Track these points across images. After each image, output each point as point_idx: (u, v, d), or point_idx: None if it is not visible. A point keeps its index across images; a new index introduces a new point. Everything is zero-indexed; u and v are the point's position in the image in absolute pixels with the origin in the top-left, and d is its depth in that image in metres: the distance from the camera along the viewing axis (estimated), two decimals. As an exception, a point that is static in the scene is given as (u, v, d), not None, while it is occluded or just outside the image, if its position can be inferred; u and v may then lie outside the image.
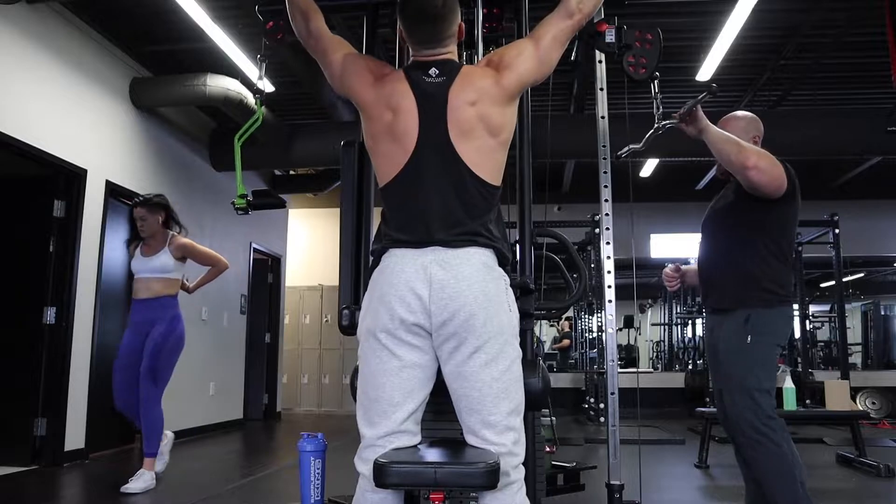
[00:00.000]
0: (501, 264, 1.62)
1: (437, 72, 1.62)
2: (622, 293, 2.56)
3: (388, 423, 1.53)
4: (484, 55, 2.58)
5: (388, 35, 2.27)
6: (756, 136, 2.44)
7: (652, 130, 2.33)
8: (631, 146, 2.39)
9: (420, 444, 1.60)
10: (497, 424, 1.52)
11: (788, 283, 2.34)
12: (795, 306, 8.17)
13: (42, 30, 4.38)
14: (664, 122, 2.31)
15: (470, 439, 1.56)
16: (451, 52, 1.68)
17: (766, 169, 2.22)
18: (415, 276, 1.53)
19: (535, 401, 1.71)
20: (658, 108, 2.29)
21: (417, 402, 1.56)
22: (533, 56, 1.67)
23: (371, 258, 1.67)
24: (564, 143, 5.83)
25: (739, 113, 2.52)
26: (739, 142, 2.27)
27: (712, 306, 2.49)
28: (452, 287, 1.51)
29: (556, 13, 1.72)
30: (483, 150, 1.60)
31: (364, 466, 1.54)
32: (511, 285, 1.74)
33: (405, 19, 1.67)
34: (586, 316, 8.31)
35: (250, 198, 2.13)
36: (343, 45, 1.76)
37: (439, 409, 1.81)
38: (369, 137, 1.67)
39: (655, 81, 2.24)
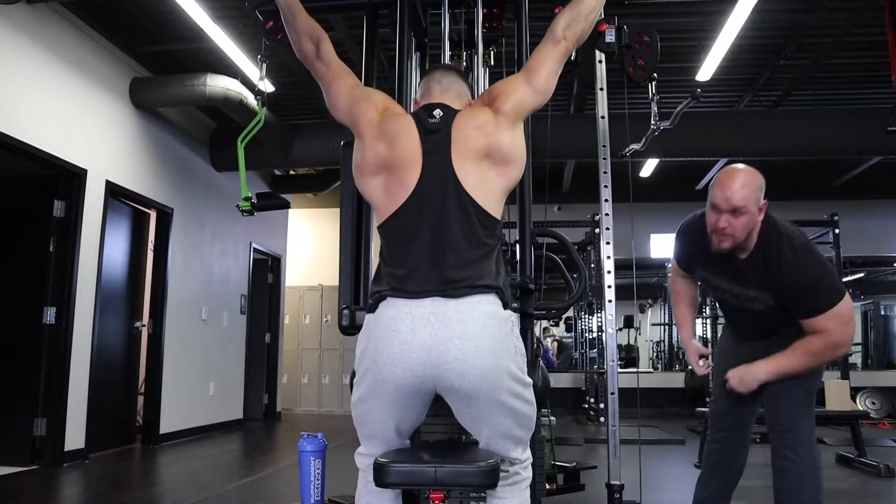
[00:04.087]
0: (504, 305, 1.55)
1: (441, 113, 1.63)
2: (622, 293, 2.56)
3: (382, 447, 1.60)
4: (484, 56, 2.60)
5: (388, 35, 2.27)
6: (764, 204, 2.06)
7: (650, 131, 2.34)
8: (632, 146, 2.40)
9: (420, 443, 1.61)
10: (516, 448, 1.59)
11: None
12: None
13: (42, 30, 4.38)
14: (661, 124, 2.32)
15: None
16: (454, 104, 1.69)
17: (846, 340, 2.13)
18: (411, 336, 1.45)
19: (536, 400, 1.71)
20: (655, 110, 2.30)
21: (411, 433, 1.63)
22: (524, 84, 1.68)
23: (370, 299, 1.58)
24: (564, 143, 5.83)
25: (746, 179, 2.04)
26: (810, 353, 2.08)
27: (754, 336, 2.31)
28: (458, 349, 1.44)
29: (544, 41, 1.73)
30: (486, 183, 1.58)
31: (363, 462, 1.62)
32: (511, 285, 1.74)
33: (428, 72, 1.81)
34: (586, 316, 8.30)
35: (255, 200, 2.12)
36: (351, 74, 1.78)
37: (439, 410, 1.81)
38: (367, 169, 1.62)
39: (653, 83, 2.25)
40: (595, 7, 1.77)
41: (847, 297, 2.07)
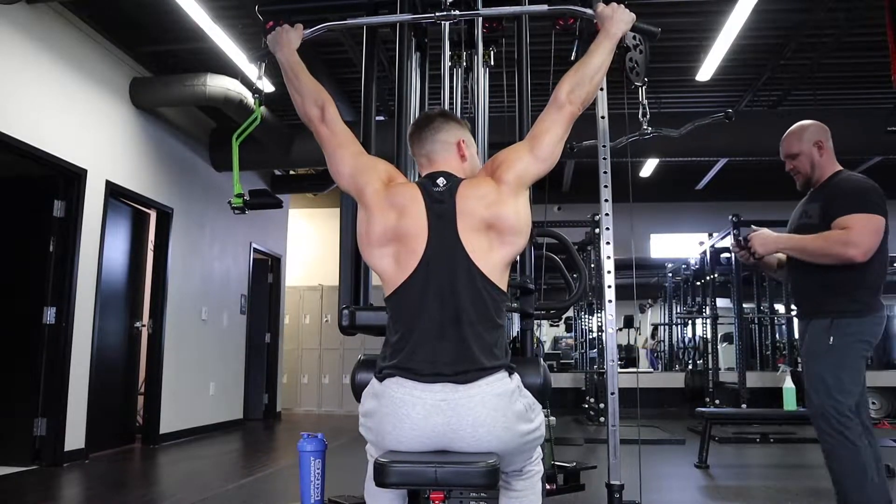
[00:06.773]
0: (510, 372, 1.57)
1: (445, 181, 1.64)
2: (622, 293, 2.56)
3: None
4: (484, 56, 2.60)
5: (388, 35, 2.27)
6: (819, 142, 2.42)
7: (636, 135, 2.36)
8: (593, 141, 2.43)
9: None
10: (531, 458, 1.66)
11: (873, 287, 2.31)
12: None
13: (42, 30, 4.38)
14: (650, 130, 2.34)
15: None
16: (453, 166, 1.70)
17: (861, 244, 2.22)
18: (423, 422, 1.48)
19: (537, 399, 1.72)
20: (645, 115, 2.32)
21: None
22: (527, 152, 1.66)
23: (376, 368, 1.59)
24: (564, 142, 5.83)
25: (796, 128, 2.48)
26: (824, 237, 2.27)
27: (802, 312, 2.51)
28: (471, 436, 1.47)
29: (549, 106, 1.70)
30: (492, 253, 1.58)
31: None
32: (511, 285, 1.74)
33: (411, 128, 1.77)
34: (586, 316, 8.31)
35: (247, 197, 2.12)
36: (355, 141, 1.77)
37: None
38: (376, 240, 1.60)
39: (643, 88, 2.27)
40: (600, 68, 1.72)
41: (881, 218, 2.24)
